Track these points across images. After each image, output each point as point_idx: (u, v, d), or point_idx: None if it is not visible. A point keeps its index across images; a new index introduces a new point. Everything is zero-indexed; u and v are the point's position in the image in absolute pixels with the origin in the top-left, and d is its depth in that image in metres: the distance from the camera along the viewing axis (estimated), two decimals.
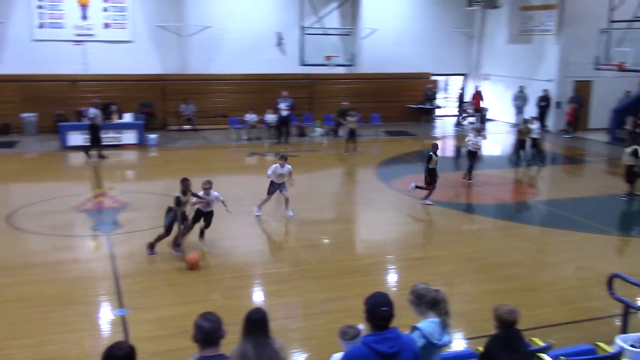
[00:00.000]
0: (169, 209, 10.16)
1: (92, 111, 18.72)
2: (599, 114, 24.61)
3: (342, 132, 21.83)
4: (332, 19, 25.03)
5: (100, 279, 9.36)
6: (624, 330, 6.94)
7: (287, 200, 12.63)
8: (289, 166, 12.54)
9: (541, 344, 5.79)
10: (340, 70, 24.79)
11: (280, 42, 25.05)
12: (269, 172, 12.50)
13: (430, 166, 13.92)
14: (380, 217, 13.45)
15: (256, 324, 4.55)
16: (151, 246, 10.26)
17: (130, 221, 12.41)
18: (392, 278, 10.10)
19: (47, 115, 21.86)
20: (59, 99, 22.09)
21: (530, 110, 24.66)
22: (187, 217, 10.47)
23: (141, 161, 19.77)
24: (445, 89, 29.59)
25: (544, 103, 24.73)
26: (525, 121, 19.71)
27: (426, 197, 13.99)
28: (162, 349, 7.15)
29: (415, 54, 26.76)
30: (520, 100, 25.78)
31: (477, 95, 27.01)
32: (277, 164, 12.48)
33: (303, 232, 12.12)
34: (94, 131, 18.60)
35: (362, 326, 4.66)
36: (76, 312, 8.18)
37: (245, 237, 11.58)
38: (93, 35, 22.77)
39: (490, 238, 12.33)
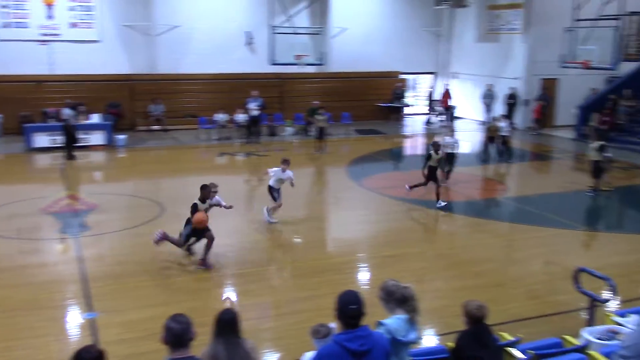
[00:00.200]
0: (188, 221, 9.71)
1: (66, 112, 18.46)
2: (565, 111, 25.05)
3: (312, 131, 21.83)
4: (302, 18, 25.04)
5: (69, 283, 9.22)
6: (590, 323, 7.06)
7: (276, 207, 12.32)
8: (291, 172, 12.10)
9: (510, 338, 5.87)
10: (310, 69, 24.78)
11: (249, 42, 24.94)
12: (270, 172, 12.21)
13: (431, 164, 13.93)
14: (351, 215, 13.50)
15: (227, 324, 4.56)
16: (203, 262, 9.73)
17: (98, 223, 12.25)
18: (364, 276, 10.13)
19: (12, 116, 21.45)
20: (24, 99, 21.67)
21: (499, 108, 25.04)
22: (209, 228, 9.79)
23: (109, 162, 19.48)
24: (414, 88, 29.81)
25: (512, 101, 25.10)
26: (494, 119, 19.94)
27: (438, 199, 13.79)
28: (132, 351, 7.08)
29: (384, 53, 26.92)
30: (488, 98, 26.12)
31: (446, 94, 27.32)
32: (279, 168, 12.08)
33: (275, 231, 12.10)
34: (68, 132, 18.33)
35: (333, 325, 4.67)
36: (43, 317, 8.04)
37: (216, 238, 11.49)
38: (59, 35, 22.37)
39: (461, 235, 12.45)
